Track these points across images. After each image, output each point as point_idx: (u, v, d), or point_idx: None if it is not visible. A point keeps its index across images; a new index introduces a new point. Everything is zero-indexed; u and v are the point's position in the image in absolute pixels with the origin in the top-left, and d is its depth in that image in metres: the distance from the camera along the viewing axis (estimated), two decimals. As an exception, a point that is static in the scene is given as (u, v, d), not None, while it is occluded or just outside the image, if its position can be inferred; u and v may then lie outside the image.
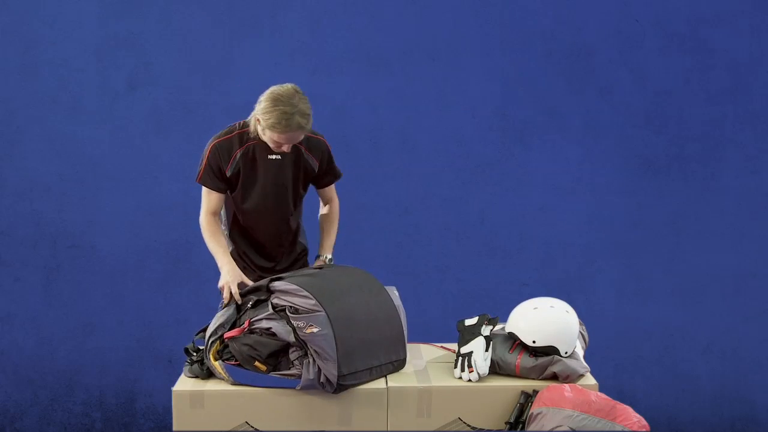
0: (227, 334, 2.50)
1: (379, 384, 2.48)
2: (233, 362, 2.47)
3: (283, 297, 2.47)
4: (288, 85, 2.68)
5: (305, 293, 2.44)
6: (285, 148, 2.73)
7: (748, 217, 3.92)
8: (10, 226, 3.80)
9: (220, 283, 2.72)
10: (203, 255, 3.78)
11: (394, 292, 2.71)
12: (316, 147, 2.89)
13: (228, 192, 2.86)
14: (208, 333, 2.56)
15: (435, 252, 3.89)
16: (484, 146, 3.87)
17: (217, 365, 2.49)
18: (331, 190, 3.02)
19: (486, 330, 2.58)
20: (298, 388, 2.42)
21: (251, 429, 2.43)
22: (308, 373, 2.39)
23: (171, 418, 2.47)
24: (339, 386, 2.39)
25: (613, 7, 3.83)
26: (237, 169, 2.80)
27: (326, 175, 2.96)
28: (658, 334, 3.96)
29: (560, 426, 2.29)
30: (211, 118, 3.79)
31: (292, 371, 2.43)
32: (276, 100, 2.64)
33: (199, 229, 2.85)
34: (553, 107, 3.86)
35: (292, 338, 2.41)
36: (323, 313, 2.40)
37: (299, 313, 2.42)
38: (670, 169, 3.90)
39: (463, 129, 3.86)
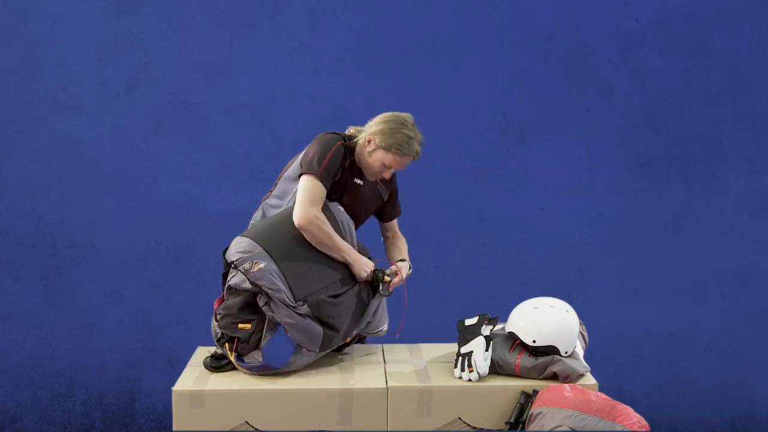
0: (216, 316, 2.57)
1: (379, 384, 2.48)
2: (235, 352, 2.52)
3: (232, 251, 2.54)
4: (407, 114, 2.70)
5: (243, 238, 2.54)
6: (386, 174, 2.72)
7: (748, 217, 3.92)
8: (10, 226, 3.80)
9: (367, 276, 2.65)
10: (203, 255, 3.81)
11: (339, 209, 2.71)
12: (388, 179, 2.86)
13: None
14: (213, 333, 2.61)
15: (435, 252, 3.89)
16: (484, 146, 3.87)
17: (232, 358, 2.54)
18: (396, 225, 2.98)
19: (486, 330, 2.58)
20: (292, 339, 2.47)
21: (251, 429, 2.43)
22: (280, 315, 2.45)
23: (171, 418, 2.47)
24: (310, 307, 2.46)
25: (613, 7, 3.83)
26: (335, 179, 2.66)
27: (392, 209, 2.95)
28: (658, 334, 3.96)
29: (560, 426, 2.29)
30: (211, 118, 3.79)
31: (268, 318, 2.48)
32: (401, 123, 2.65)
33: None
34: (553, 107, 3.86)
35: (247, 284, 2.47)
36: (260, 248, 2.48)
37: (242, 259, 2.49)
38: (670, 169, 3.90)
39: (463, 129, 3.86)
